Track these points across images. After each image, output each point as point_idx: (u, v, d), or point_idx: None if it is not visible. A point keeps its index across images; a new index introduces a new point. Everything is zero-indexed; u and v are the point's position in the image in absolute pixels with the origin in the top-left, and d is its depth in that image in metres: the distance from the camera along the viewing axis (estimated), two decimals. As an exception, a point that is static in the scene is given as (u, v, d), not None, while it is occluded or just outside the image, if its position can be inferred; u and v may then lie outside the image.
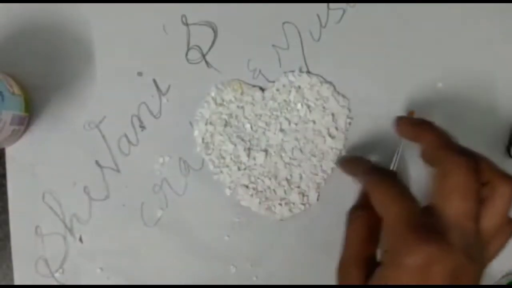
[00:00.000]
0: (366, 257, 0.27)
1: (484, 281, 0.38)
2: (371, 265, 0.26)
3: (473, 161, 0.25)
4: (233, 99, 0.37)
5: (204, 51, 0.37)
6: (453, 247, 0.23)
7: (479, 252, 0.24)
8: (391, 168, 0.35)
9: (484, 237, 0.25)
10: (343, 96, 0.37)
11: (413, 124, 0.30)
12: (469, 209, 0.24)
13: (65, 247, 0.36)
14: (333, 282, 0.28)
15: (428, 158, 0.27)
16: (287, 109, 0.37)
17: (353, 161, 0.31)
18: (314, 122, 0.37)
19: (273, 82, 0.37)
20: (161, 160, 0.37)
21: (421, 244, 0.23)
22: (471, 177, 0.24)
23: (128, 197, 0.37)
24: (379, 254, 0.27)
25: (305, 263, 0.37)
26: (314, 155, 0.37)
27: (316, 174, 0.37)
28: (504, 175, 0.25)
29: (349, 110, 0.37)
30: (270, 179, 0.37)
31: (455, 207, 0.24)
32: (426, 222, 0.24)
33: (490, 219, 0.25)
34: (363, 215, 0.27)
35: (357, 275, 0.26)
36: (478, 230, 0.24)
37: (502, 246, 0.26)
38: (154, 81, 0.37)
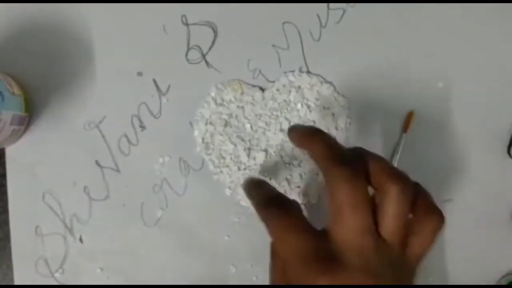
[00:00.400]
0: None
1: (484, 281, 0.38)
2: None
3: (351, 170, 0.24)
4: (233, 99, 0.37)
5: (204, 51, 0.37)
6: (350, 270, 0.22)
7: (387, 263, 0.24)
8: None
9: (391, 243, 0.24)
10: (343, 96, 0.37)
11: (303, 133, 0.28)
12: (361, 223, 0.23)
13: (65, 247, 0.36)
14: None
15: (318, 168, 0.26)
16: (287, 109, 0.37)
17: (253, 189, 0.29)
18: (314, 122, 0.37)
19: (273, 82, 0.37)
20: (161, 160, 0.37)
21: (317, 277, 0.22)
22: (354, 188, 0.23)
23: (128, 197, 0.37)
24: None
25: (305, 263, 0.37)
26: (314, 155, 0.37)
27: (317, 174, 0.37)
28: (390, 176, 0.24)
29: (349, 110, 0.37)
30: (270, 179, 0.37)
31: (346, 226, 0.23)
32: (321, 252, 0.23)
33: (387, 223, 0.24)
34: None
35: None
36: (380, 239, 0.24)
37: (425, 242, 0.25)
38: (154, 81, 0.37)
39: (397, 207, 0.24)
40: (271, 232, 0.25)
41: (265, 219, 0.25)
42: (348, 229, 0.23)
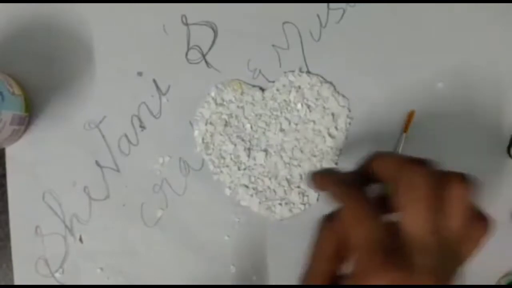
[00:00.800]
0: (330, 274, 0.26)
1: (484, 281, 0.38)
2: (336, 280, 0.26)
3: (429, 168, 0.24)
4: (233, 99, 0.37)
5: (204, 51, 0.37)
6: (418, 270, 0.23)
7: (449, 263, 0.24)
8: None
9: (452, 243, 0.24)
10: (343, 96, 0.37)
11: (362, 165, 0.28)
12: (431, 222, 0.23)
13: (65, 247, 0.36)
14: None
15: (388, 178, 0.26)
16: (287, 109, 0.37)
17: (322, 175, 0.29)
18: (314, 122, 0.37)
19: (273, 82, 0.37)
20: (161, 160, 0.37)
21: (386, 271, 0.22)
22: (430, 186, 0.24)
23: (128, 197, 0.37)
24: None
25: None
26: (314, 155, 0.37)
27: (316, 174, 0.37)
28: (455, 175, 0.25)
29: (349, 110, 0.37)
30: (270, 179, 0.37)
31: (418, 224, 0.23)
32: (392, 246, 0.23)
33: (453, 223, 0.24)
34: (332, 227, 0.26)
35: None
36: (445, 238, 0.24)
37: (474, 247, 0.26)
38: (154, 81, 0.37)
39: (463, 203, 0.24)
40: (344, 216, 0.25)
41: (343, 199, 0.25)
42: (421, 227, 0.23)
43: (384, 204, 0.28)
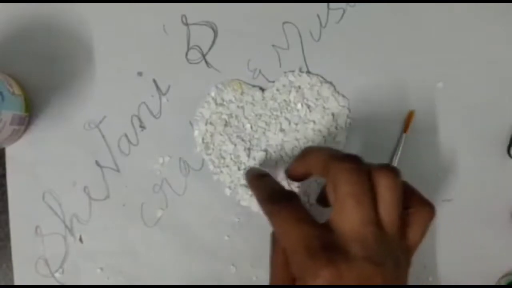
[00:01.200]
0: (290, 280, 0.27)
1: (484, 281, 0.38)
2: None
3: (355, 163, 0.25)
4: (233, 99, 0.37)
5: (204, 51, 0.37)
6: (353, 260, 0.23)
7: (388, 251, 0.24)
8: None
9: (390, 232, 0.25)
10: (343, 96, 0.37)
11: (302, 156, 0.29)
12: (363, 214, 0.24)
13: (65, 247, 0.36)
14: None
15: (321, 174, 0.27)
16: (287, 109, 0.37)
17: (253, 184, 0.30)
18: (314, 122, 0.37)
19: (273, 82, 0.37)
20: (161, 160, 0.37)
21: (321, 267, 0.23)
22: (357, 180, 0.24)
23: (128, 197, 0.37)
24: None
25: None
26: (314, 155, 0.37)
27: (316, 174, 0.37)
28: (381, 167, 0.25)
29: (349, 110, 0.37)
30: (270, 179, 0.37)
31: (349, 217, 0.24)
32: (325, 242, 0.24)
33: (386, 213, 0.24)
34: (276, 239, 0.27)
35: None
36: (380, 229, 0.24)
37: (421, 231, 0.26)
38: (154, 81, 0.37)
39: (394, 193, 0.25)
40: (275, 225, 0.25)
41: (269, 212, 0.26)
42: (351, 219, 0.24)
43: (321, 200, 0.28)
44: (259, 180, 0.30)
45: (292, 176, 0.31)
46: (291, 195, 0.27)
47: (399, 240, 0.25)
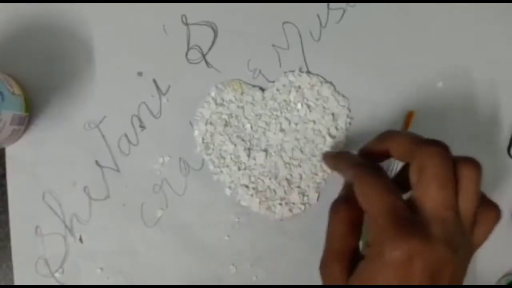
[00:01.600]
0: (348, 252, 0.27)
1: (484, 281, 0.38)
2: (353, 258, 0.27)
3: (444, 149, 0.25)
4: (233, 99, 0.37)
5: (204, 51, 0.37)
6: (434, 240, 0.23)
7: (461, 240, 0.25)
8: (392, 166, 0.35)
9: (464, 223, 0.25)
10: (343, 96, 0.37)
11: (374, 143, 0.30)
12: (446, 198, 0.24)
13: (65, 247, 0.36)
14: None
15: (403, 157, 0.28)
16: (287, 109, 0.37)
17: (339, 156, 0.31)
18: (314, 122, 0.37)
19: (273, 82, 0.37)
20: (161, 160, 0.37)
21: (404, 238, 0.23)
22: (445, 165, 0.25)
23: (128, 197, 0.37)
24: (361, 246, 0.28)
25: (305, 263, 0.37)
26: (314, 155, 0.37)
27: (316, 174, 0.37)
28: (467, 159, 0.26)
29: (349, 110, 0.37)
30: (270, 179, 0.37)
31: (433, 198, 0.24)
32: (409, 216, 0.24)
33: (465, 204, 0.25)
34: (345, 209, 0.28)
35: (340, 271, 0.26)
36: (458, 217, 0.25)
37: (487, 231, 0.27)
38: (154, 81, 0.37)
39: (475, 187, 0.25)
40: (364, 187, 0.26)
41: (359, 176, 0.26)
42: (435, 200, 0.24)
43: (397, 183, 0.29)
44: (346, 153, 0.31)
45: (366, 153, 0.31)
46: (380, 167, 0.27)
47: (469, 234, 0.26)
